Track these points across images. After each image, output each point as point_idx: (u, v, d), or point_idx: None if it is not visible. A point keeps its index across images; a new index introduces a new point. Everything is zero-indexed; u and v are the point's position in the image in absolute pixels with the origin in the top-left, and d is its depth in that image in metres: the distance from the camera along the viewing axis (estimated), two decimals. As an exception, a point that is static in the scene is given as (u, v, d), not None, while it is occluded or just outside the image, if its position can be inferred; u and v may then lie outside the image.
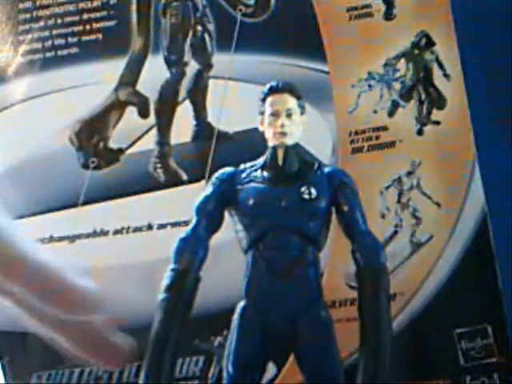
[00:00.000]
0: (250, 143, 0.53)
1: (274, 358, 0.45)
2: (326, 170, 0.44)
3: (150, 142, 0.63)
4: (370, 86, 0.60)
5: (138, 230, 0.61)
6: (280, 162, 0.43)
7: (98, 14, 0.64)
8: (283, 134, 0.43)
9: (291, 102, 0.43)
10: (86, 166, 0.63)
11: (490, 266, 0.56)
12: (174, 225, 0.60)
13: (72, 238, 0.62)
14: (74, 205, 0.61)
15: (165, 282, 0.41)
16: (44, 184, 0.63)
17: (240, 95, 0.61)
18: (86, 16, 0.64)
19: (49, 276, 0.36)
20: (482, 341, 0.55)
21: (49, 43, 0.64)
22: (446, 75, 0.60)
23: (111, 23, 0.64)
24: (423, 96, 0.60)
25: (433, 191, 0.58)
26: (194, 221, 0.43)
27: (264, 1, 0.63)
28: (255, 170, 0.43)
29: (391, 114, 0.60)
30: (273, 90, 0.44)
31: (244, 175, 0.44)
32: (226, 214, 0.44)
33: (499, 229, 0.57)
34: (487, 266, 0.56)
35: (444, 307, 0.56)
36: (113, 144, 0.63)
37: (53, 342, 0.37)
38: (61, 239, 0.62)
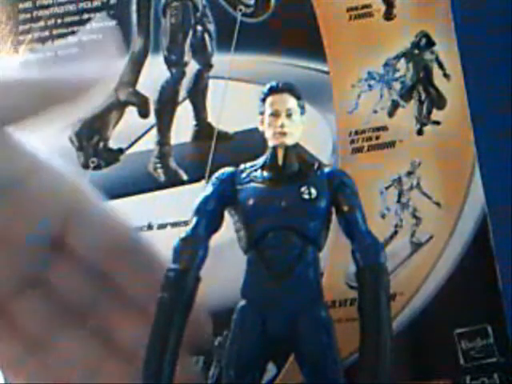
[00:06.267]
0: (249, 143, 0.53)
1: (273, 358, 0.45)
2: (326, 170, 0.44)
3: (150, 141, 0.63)
4: (370, 85, 0.60)
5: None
6: (280, 161, 0.43)
7: (97, 14, 0.64)
8: (283, 134, 0.43)
9: (291, 102, 0.43)
10: (86, 166, 0.63)
11: (490, 266, 0.56)
12: (174, 225, 0.60)
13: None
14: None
15: (164, 281, 0.41)
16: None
17: (240, 95, 0.61)
18: (86, 16, 0.64)
19: None
20: (481, 341, 0.55)
21: (49, 43, 0.64)
22: (446, 75, 0.60)
23: (111, 23, 0.64)
24: (423, 96, 0.60)
25: (433, 191, 0.58)
26: (193, 221, 0.43)
27: (264, 1, 0.63)
28: (255, 170, 0.43)
29: (391, 114, 0.60)
30: (273, 90, 0.44)
31: (244, 175, 0.44)
32: (226, 214, 0.44)
33: (499, 229, 0.56)
34: (487, 266, 0.56)
35: (444, 307, 0.56)
36: (113, 144, 0.63)
37: None
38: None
